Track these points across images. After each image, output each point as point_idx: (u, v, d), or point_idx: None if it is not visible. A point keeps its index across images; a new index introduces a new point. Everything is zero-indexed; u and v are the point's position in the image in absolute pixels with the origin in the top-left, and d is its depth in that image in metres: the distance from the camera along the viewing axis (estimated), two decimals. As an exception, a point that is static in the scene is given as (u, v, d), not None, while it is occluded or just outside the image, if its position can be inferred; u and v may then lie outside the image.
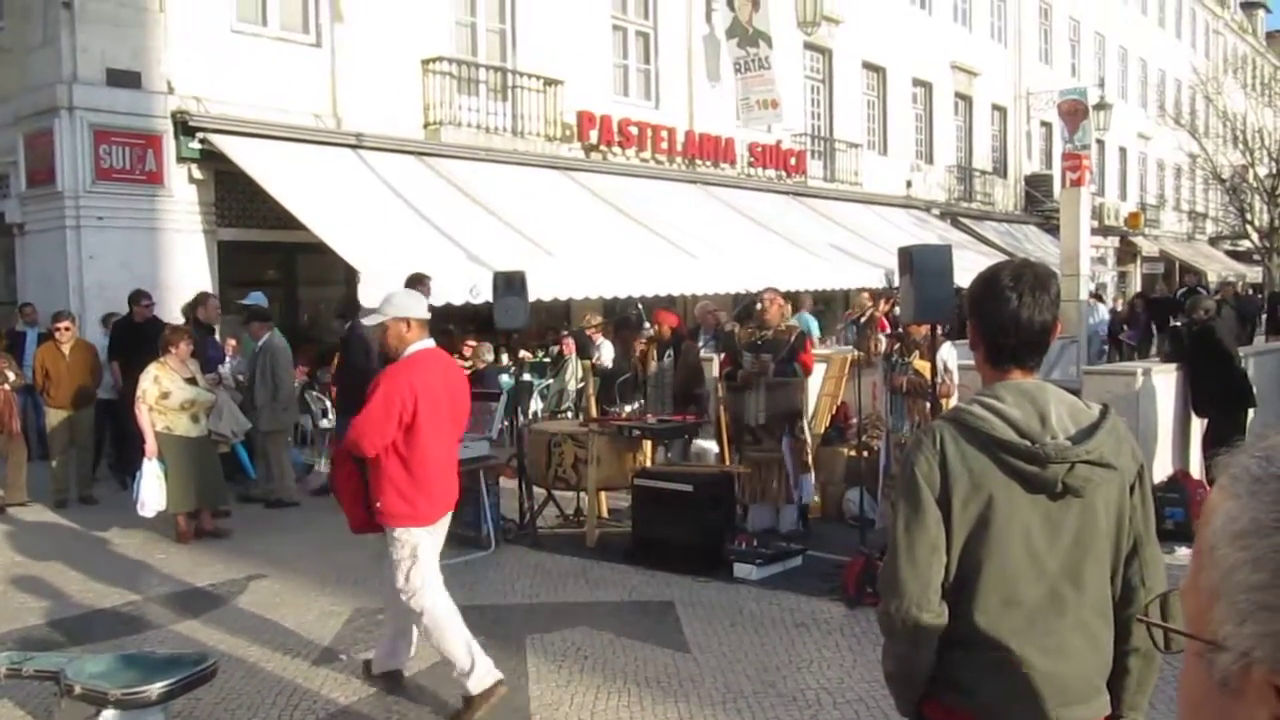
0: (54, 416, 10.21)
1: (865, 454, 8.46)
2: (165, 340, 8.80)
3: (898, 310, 8.43)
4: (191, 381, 8.67)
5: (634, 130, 18.82)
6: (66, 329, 10.21)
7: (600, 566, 7.86)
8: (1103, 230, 33.32)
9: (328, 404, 12.31)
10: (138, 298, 11.07)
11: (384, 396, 4.94)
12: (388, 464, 4.98)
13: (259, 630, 6.49)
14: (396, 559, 5.11)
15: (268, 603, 7.09)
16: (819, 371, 10.34)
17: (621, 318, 12.98)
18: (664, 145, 19.38)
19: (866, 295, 13.04)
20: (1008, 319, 2.32)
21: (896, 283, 7.74)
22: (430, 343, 5.32)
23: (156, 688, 4.62)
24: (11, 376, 10.09)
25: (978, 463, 2.26)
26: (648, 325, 10.21)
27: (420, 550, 5.11)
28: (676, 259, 15.60)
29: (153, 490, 8.34)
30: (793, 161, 22.16)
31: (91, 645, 6.18)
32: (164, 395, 8.46)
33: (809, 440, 8.61)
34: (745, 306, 9.52)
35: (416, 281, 9.12)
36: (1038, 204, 31.29)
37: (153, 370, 8.55)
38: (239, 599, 7.21)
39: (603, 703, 5.32)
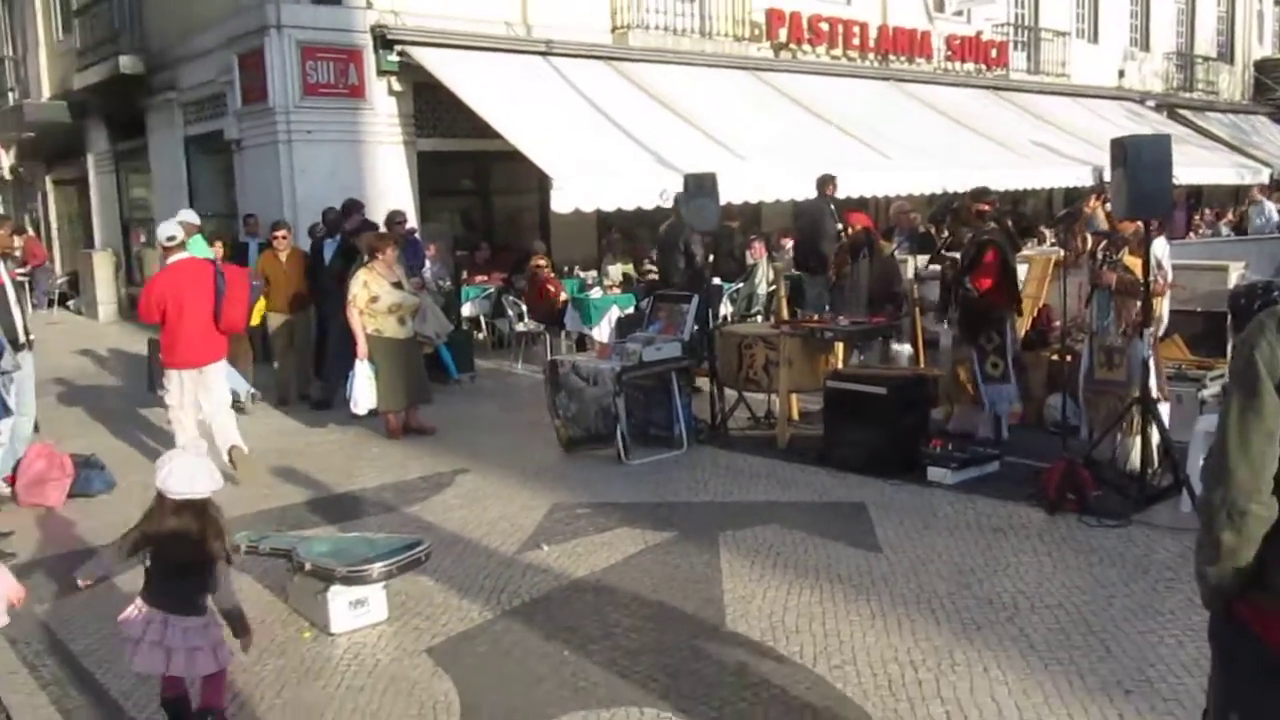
0: (274, 321, 10.89)
1: (1068, 358, 8.12)
2: (372, 246, 9.21)
3: (1108, 207, 7.95)
4: (398, 286, 9.07)
5: (824, 27, 18.26)
6: (284, 237, 10.82)
7: (790, 468, 7.89)
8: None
9: (523, 308, 12.68)
10: (355, 206, 11.59)
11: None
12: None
13: (466, 520, 6.85)
14: None
15: (472, 495, 7.46)
16: (1019, 273, 9.93)
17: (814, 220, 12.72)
18: (855, 41, 18.75)
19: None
20: None
21: (1108, 178, 7.30)
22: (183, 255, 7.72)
23: (377, 567, 4.98)
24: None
25: None
26: (841, 227, 10.02)
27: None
28: (868, 159, 15.19)
29: (364, 389, 8.83)
30: (993, 54, 21.07)
31: (319, 529, 6.67)
32: (373, 299, 8.88)
33: (1006, 346, 8.26)
34: (941, 207, 9.20)
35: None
36: (1268, 93, 28.75)
37: (362, 275, 8.99)
38: (446, 491, 7.61)
39: (795, 598, 5.39)
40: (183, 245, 7.88)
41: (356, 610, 5.07)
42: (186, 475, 3.94)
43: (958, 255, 8.34)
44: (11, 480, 7.60)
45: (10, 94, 23.59)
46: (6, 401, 6.98)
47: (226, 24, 14.24)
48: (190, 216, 10.13)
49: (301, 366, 11.14)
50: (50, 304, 21.02)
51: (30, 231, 23.05)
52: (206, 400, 7.86)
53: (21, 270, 18.26)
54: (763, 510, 6.92)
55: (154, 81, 16.78)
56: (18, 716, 4.42)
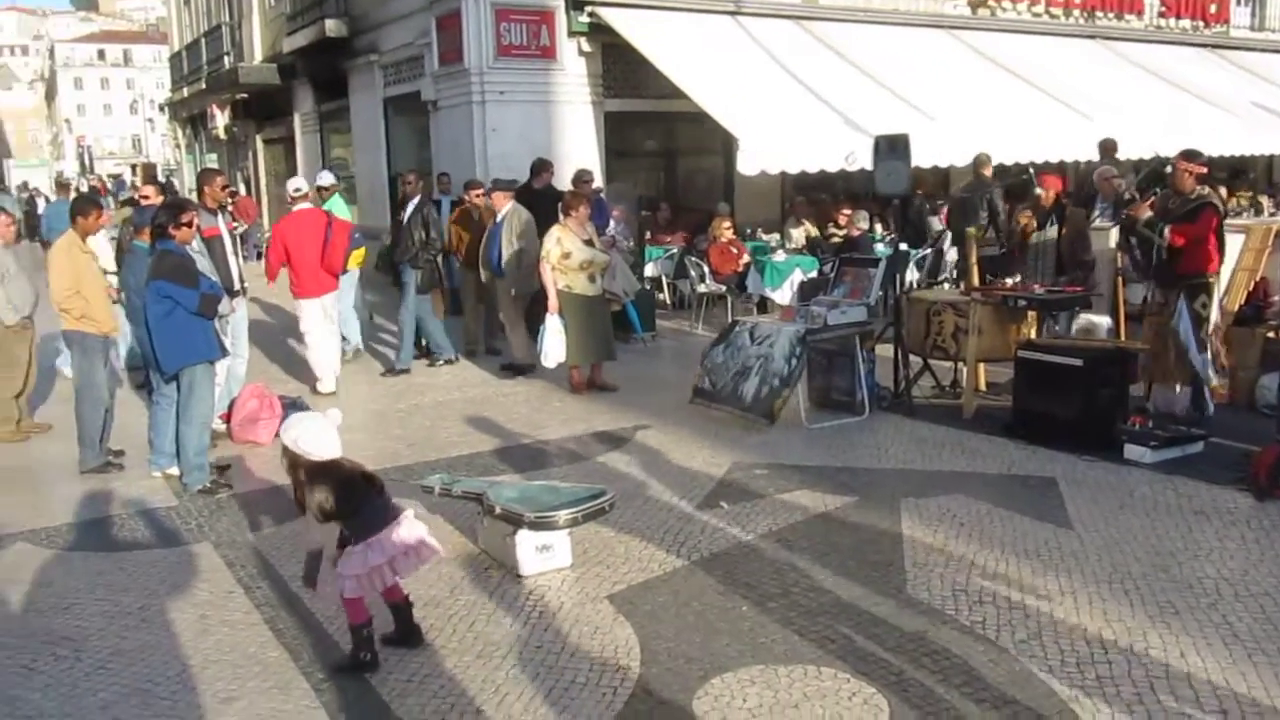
0: (467, 276, 11.26)
1: (1287, 335, 7.61)
2: (566, 204, 9.41)
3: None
4: (589, 243, 9.23)
5: (1027, -18, 17.47)
6: (479, 195, 11.14)
7: (977, 438, 7.68)
8: None
9: (705, 269, 12.72)
10: (545, 166, 11.84)
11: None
12: None
13: (647, 475, 6.96)
14: None
15: (653, 451, 7.57)
16: (1235, 244, 9.34)
17: (1008, 184, 12.29)
18: (1060, -2, 17.85)
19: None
20: None
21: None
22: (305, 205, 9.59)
23: (564, 514, 5.13)
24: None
25: None
26: (1039, 192, 9.61)
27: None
28: (1069, 121, 14.48)
29: (555, 343, 9.05)
30: (1213, 9, 19.70)
31: (505, 476, 6.91)
32: (565, 255, 9.07)
33: (1212, 318, 7.80)
34: (1150, 172, 8.70)
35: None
36: None
37: (555, 232, 9.19)
38: (627, 446, 7.75)
39: (979, 568, 5.27)
40: (306, 197, 9.91)
41: (542, 555, 5.24)
42: (317, 437, 4.29)
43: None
44: (226, 418, 8.15)
45: (226, 58, 25.05)
46: (224, 344, 7.47)
47: (426, -12, 14.70)
48: (328, 178, 12.07)
49: (490, 320, 11.48)
50: (259, 256, 22.29)
51: (242, 190, 24.48)
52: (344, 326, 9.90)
53: (235, 225, 19.41)
54: (947, 479, 6.77)
55: (356, 44, 17.51)
56: (238, 634, 4.76)
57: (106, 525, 6.39)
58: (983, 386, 8.78)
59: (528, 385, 9.83)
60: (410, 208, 10.65)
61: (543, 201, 11.55)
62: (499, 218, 10.33)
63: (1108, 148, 11.08)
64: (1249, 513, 6.01)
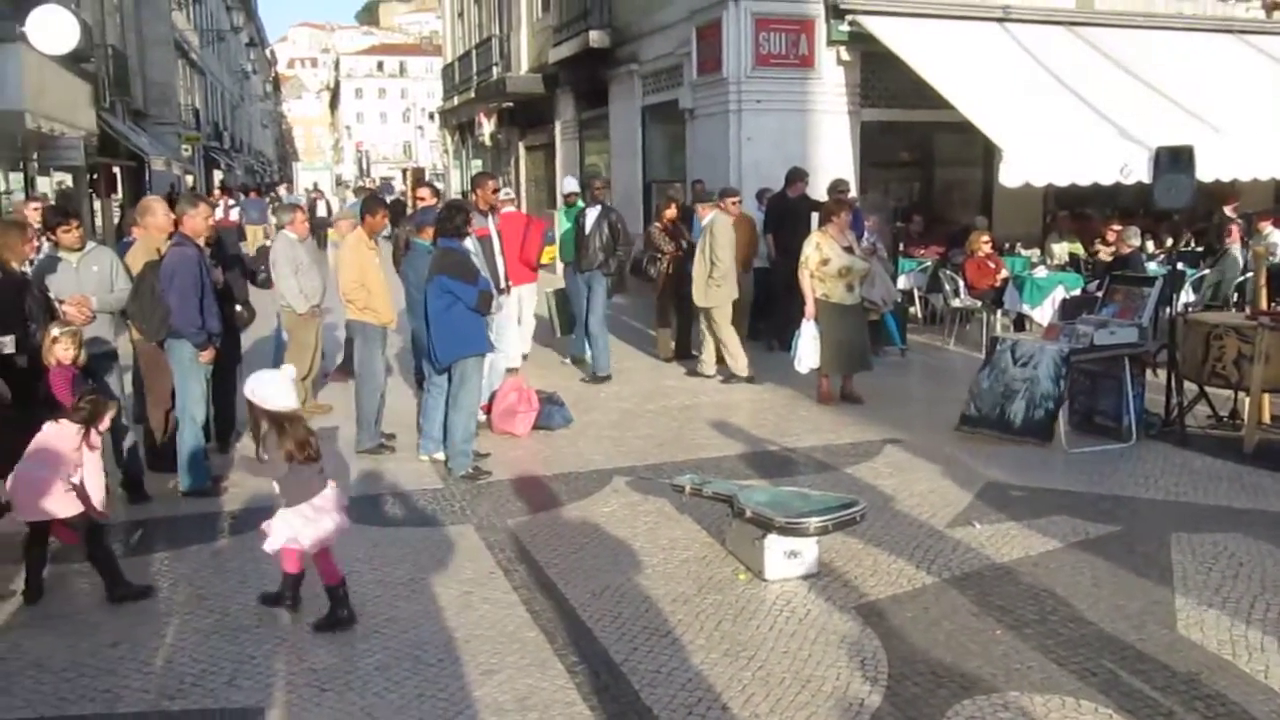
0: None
1: None
2: (827, 210, 9.41)
3: None
4: (849, 250, 9.18)
5: (1333, -18, 16.00)
6: (735, 203, 11.24)
7: (1259, 474, 7.12)
8: None
9: (960, 283, 12.36)
10: (800, 175, 11.85)
11: None
12: None
13: (896, 489, 6.85)
14: None
15: (903, 465, 7.44)
16: None
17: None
18: (1377, -3, 16.24)
19: None
20: None
21: None
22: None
23: (814, 521, 5.13)
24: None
25: None
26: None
27: None
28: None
29: (809, 349, 9.05)
30: None
31: (753, 480, 6.97)
32: (824, 261, 9.05)
33: None
34: None
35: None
36: None
37: (815, 238, 9.21)
38: (877, 459, 7.64)
39: (1260, 613, 4.89)
40: (513, 201, 11.16)
41: (790, 560, 5.26)
42: (274, 390, 4.83)
43: None
44: (487, 409, 8.59)
45: (495, 68, 26.38)
46: (492, 339, 7.89)
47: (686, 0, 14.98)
48: (571, 185, 13.15)
49: (739, 328, 11.55)
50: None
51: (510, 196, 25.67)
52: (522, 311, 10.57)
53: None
54: (1223, 516, 6.32)
55: (618, 55, 18.05)
56: (498, 612, 5.03)
57: (380, 502, 6.87)
58: (1267, 419, 8.13)
59: (774, 392, 9.86)
60: (593, 215, 10.82)
61: (797, 210, 11.61)
62: (703, 224, 10.42)
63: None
64: None
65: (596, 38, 18.06)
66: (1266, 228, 12.61)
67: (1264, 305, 8.32)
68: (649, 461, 7.60)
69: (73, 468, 5.12)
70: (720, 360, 10.42)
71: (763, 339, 12.02)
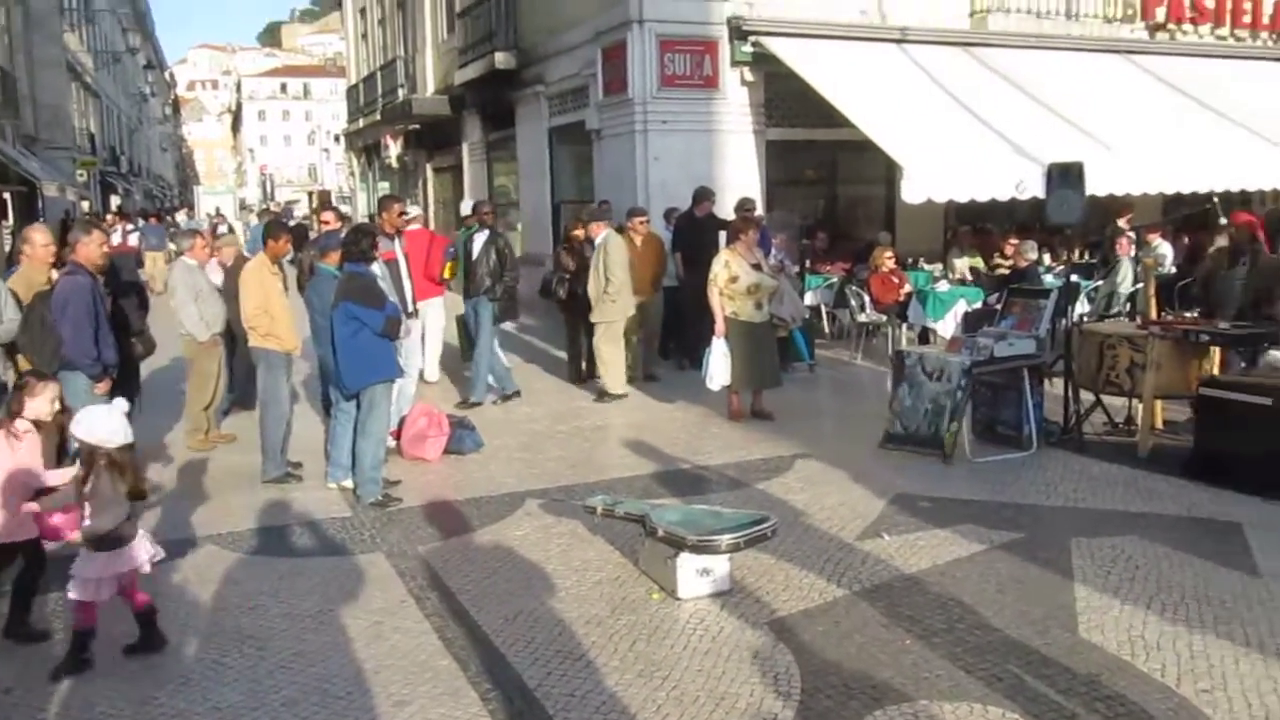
0: (627, 302, 11.42)
1: None
2: (735, 228, 9.51)
3: None
4: (757, 268, 9.28)
5: (1209, 4, 16.72)
6: (642, 223, 11.32)
7: (1152, 478, 7.37)
8: None
9: (866, 299, 12.58)
10: (706, 194, 11.97)
11: None
12: None
13: (807, 503, 6.92)
14: None
15: (812, 480, 7.52)
16: None
17: (1188, 215, 11.77)
18: (1247, 19, 17.00)
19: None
20: None
21: None
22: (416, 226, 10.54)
23: (726, 539, 5.16)
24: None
25: None
26: (1224, 222, 9.17)
27: None
28: (1258, 148, 13.76)
29: (720, 366, 9.11)
30: None
31: (665, 499, 6.98)
32: (733, 279, 9.13)
33: None
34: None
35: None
36: None
37: (724, 256, 9.29)
38: (787, 474, 7.72)
39: (1156, 613, 5.05)
40: (419, 219, 11.21)
41: (703, 578, 5.28)
42: (107, 425, 4.63)
43: None
44: (396, 435, 8.48)
45: (400, 90, 26.16)
46: (400, 364, 7.79)
47: (593, 20, 15.05)
48: (468, 209, 12.92)
49: (649, 348, 11.62)
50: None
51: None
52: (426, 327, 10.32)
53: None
54: (1120, 520, 6.52)
55: (524, 76, 18.03)
56: (410, 642, 4.95)
57: (287, 533, 6.72)
58: (1159, 424, 8.43)
59: (686, 410, 9.91)
60: (481, 240, 10.68)
61: (704, 229, 11.70)
62: (598, 241, 10.46)
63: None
64: None
65: (502, 59, 18.03)
66: (1155, 239, 13.07)
67: (1154, 315, 8.62)
68: (561, 483, 7.57)
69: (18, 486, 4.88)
70: (629, 377, 10.46)
71: (673, 357, 12.09)
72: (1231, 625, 4.92)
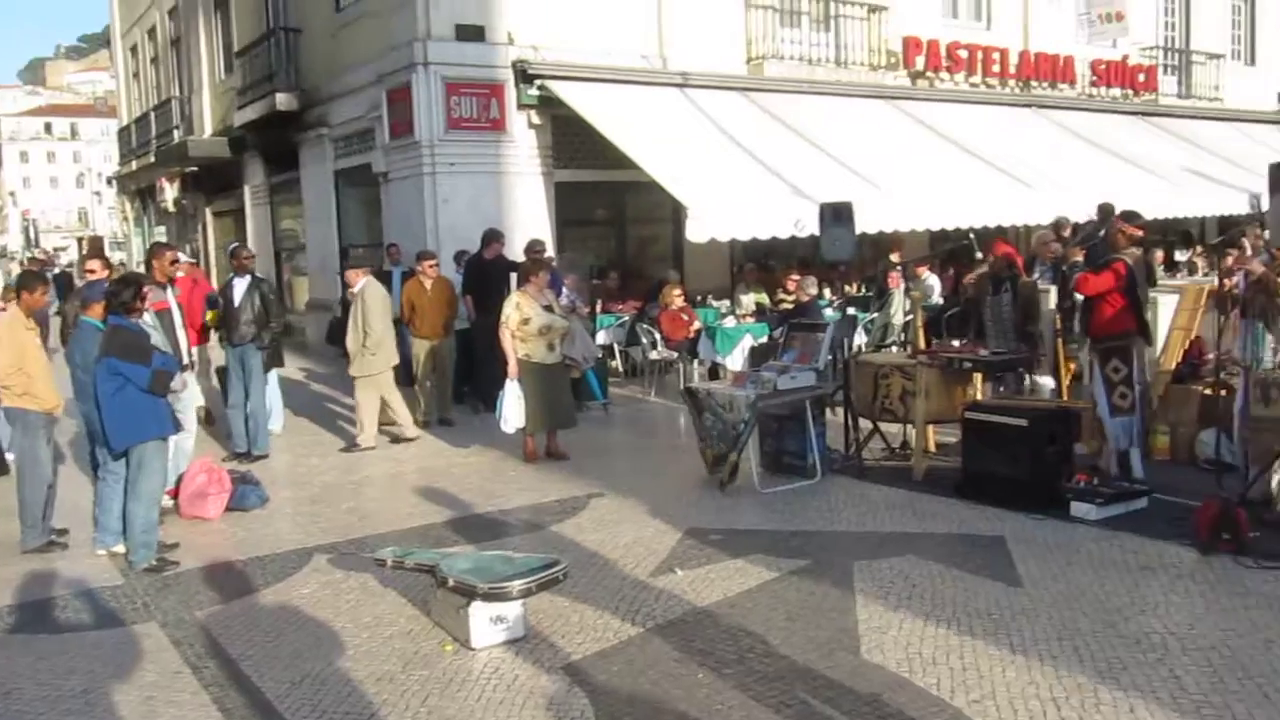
0: (419, 346, 11.25)
1: (1222, 392, 7.79)
2: (525, 270, 9.53)
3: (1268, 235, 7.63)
4: (548, 309, 9.30)
5: (963, 54, 18.03)
6: (432, 266, 11.17)
7: (927, 499, 7.77)
8: None
9: (657, 336, 12.82)
10: (495, 236, 11.94)
11: None
12: None
13: (601, 543, 6.95)
14: None
15: (607, 518, 7.57)
16: (1169, 304, 9.61)
17: (951, 250, 12.58)
18: (995, 68, 18.44)
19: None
20: None
21: (1265, 206, 7.02)
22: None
23: (517, 585, 5.11)
24: None
25: None
26: (980, 256, 9.84)
27: None
28: (1009, 188, 14.88)
29: (514, 409, 9.06)
30: (1141, 78, 20.45)
31: (458, 547, 6.87)
32: (524, 321, 9.13)
33: (1133, 376, 7.95)
34: (1088, 234, 8.96)
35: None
36: None
37: (515, 298, 9.29)
38: (582, 514, 7.74)
39: (931, 629, 5.31)
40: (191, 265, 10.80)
41: (496, 626, 5.21)
42: None
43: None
44: (174, 493, 8.03)
45: (176, 131, 25.06)
46: (178, 419, 7.40)
47: (376, 62, 14.87)
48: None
49: (442, 391, 11.47)
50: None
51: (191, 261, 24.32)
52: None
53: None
54: (898, 541, 6.83)
55: (307, 118, 17.61)
56: (185, 715, 4.67)
57: (49, 607, 6.25)
58: (932, 448, 8.91)
59: (480, 456, 9.81)
60: (241, 286, 10.10)
61: (494, 272, 11.67)
62: (352, 291, 10.31)
63: (1105, 210, 11.27)
64: (1193, 567, 6.12)
65: (284, 100, 17.55)
66: (923, 273, 13.87)
67: (922, 345, 9.13)
68: (352, 536, 7.34)
69: None
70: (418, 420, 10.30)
71: (468, 401, 11.96)
72: (998, 635, 5.22)
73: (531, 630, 5.37)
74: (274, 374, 10.78)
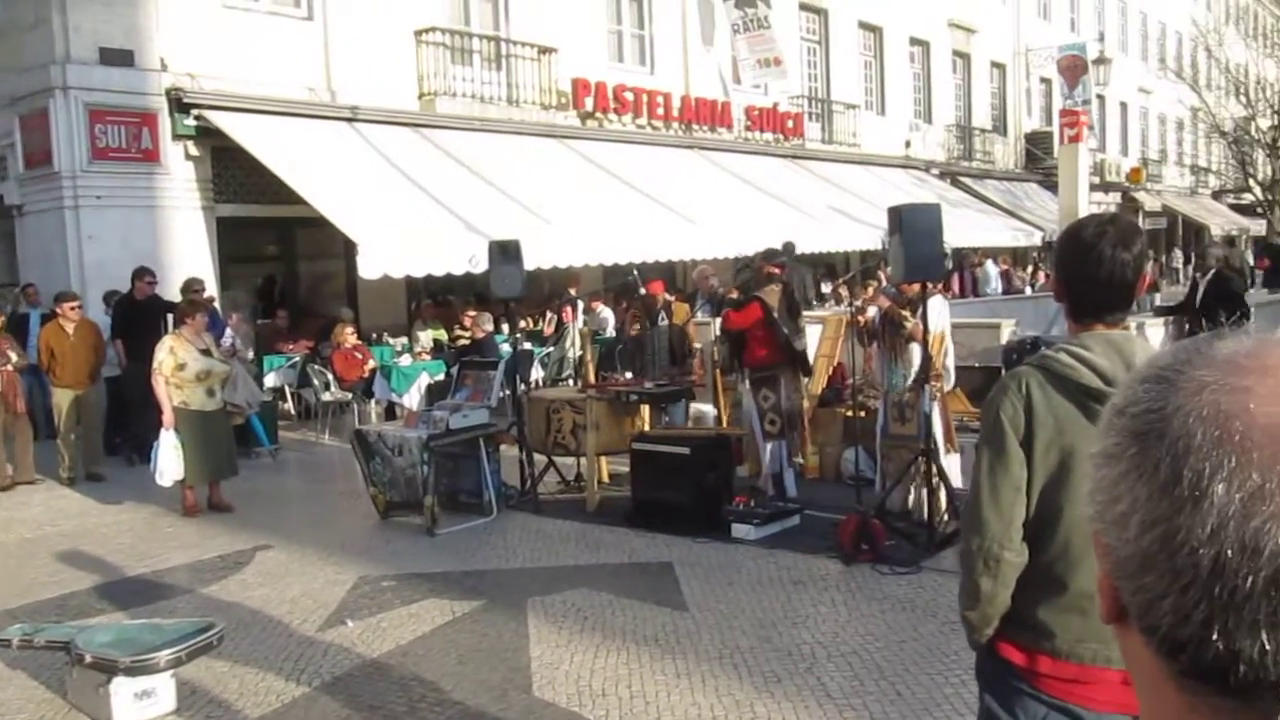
0: (61, 396, 10.31)
1: (862, 414, 8.53)
2: (181, 312, 8.93)
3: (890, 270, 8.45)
4: (206, 353, 8.77)
5: (629, 96, 18.78)
6: (73, 309, 10.27)
7: (600, 530, 7.97)
8: (1104, 186, 33.20)
9: (330, 377, 12.42)
10: (141, 274, 11.15)
11: None
12: None
13: (267, 598, 6.61)
14: None
15: (274, 572, 7.22)
16: (814, 333, 10.41)
17: (621, 284, 13.04)
18: (660, 111, 19.34)
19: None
20: (1091, 273, 2.32)
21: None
22: None
23: (164, 655, 4.76)
24: (14, 357, 10.17)
25: (1063, 409, 2.29)
26: (642, 291, 10.27)
27: None
28: (674, 224, 15.64)
29: (170, 460, 8.46)
30: (790, 124, 22.11)
31: (103, 616, 6.31)
32: (180, 366, 8.55)
33: (780, 403, 8.59)
34: (741, 270, 9.57)
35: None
36: (1038, 161, 31.15)
37: (168, 342, 8.67)
38: (246, 569, 7.33)
39: (601, 660, 5.43)
40: None
41: (142, 702, 4.82)
42: None
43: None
44: None
45: None
46: None
47: (6, 84, 13.53)
48: None
49: (90, 444, 10.55)
50: None
51: None
52: None
53: None
54: (571, 574, 6.95)
55: (-76, 143, 15.75)
56: None
57: None
58: (605, 479, 9.15)
59: (134, 512, 9.09)
60: None
61: (147, 312, 10.90)
62: None
63: (788, 249, 11.93)
64: (838, 578, 6.64)
65: (-108, 123, 15.59)
66: (598, 306, 14.33)
67: (592, 379, 9.39)
68: (-28, 613, 6.58)
69: None
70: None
71: (120, 453, 11.08)
72: (664, 660, 5.42)
73: (185, 702, 5.02)
74: None
